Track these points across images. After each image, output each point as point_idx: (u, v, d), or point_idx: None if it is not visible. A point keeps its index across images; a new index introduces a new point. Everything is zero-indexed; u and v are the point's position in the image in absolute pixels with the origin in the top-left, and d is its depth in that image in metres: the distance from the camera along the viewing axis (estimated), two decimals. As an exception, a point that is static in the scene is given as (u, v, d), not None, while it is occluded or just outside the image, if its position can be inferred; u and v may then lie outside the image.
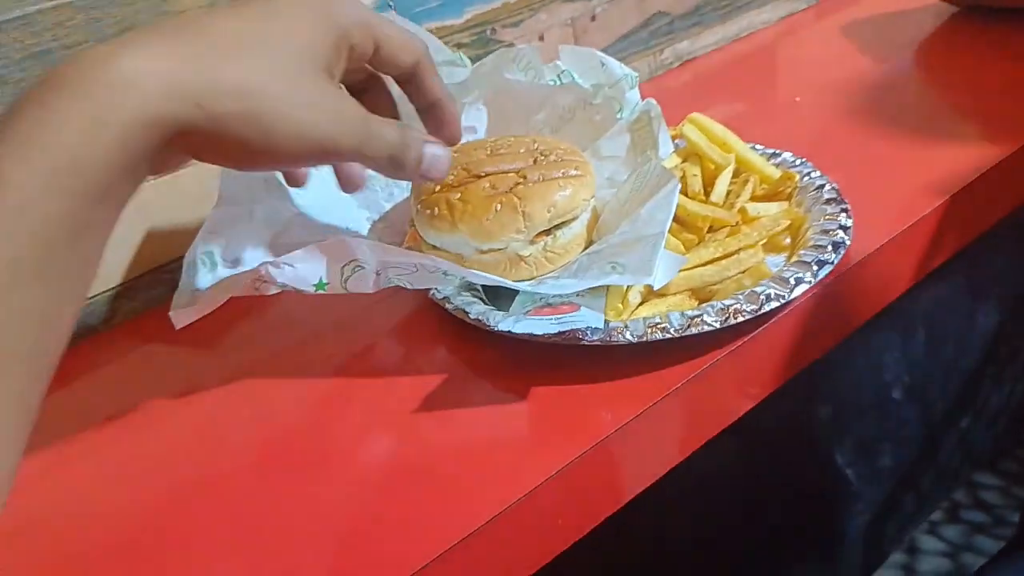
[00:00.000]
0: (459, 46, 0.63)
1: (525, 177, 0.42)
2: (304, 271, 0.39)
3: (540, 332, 0.37)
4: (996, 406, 1.15)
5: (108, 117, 0.25)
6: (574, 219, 0.43)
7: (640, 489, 0.37)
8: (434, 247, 0.43)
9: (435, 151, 0.35)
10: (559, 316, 0.37)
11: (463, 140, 0.53)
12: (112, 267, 0.52)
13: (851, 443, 0.91)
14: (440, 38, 0.61)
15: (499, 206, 0.41)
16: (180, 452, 0.40)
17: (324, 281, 0.40)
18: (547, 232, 0.42)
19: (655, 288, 0.39)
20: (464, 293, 0.43)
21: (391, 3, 0.59)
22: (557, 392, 0.38)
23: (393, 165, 0.34)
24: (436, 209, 0.42)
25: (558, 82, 0.51)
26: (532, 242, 0.41)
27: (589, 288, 0.40)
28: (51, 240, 0.24)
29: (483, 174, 0.43)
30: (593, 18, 0.70)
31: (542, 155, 0.44)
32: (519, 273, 0.42)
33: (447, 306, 0.42)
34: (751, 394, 0.40)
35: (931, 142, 0.53)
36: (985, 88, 0.58)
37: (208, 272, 0.45)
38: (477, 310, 0.41)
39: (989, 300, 1.04)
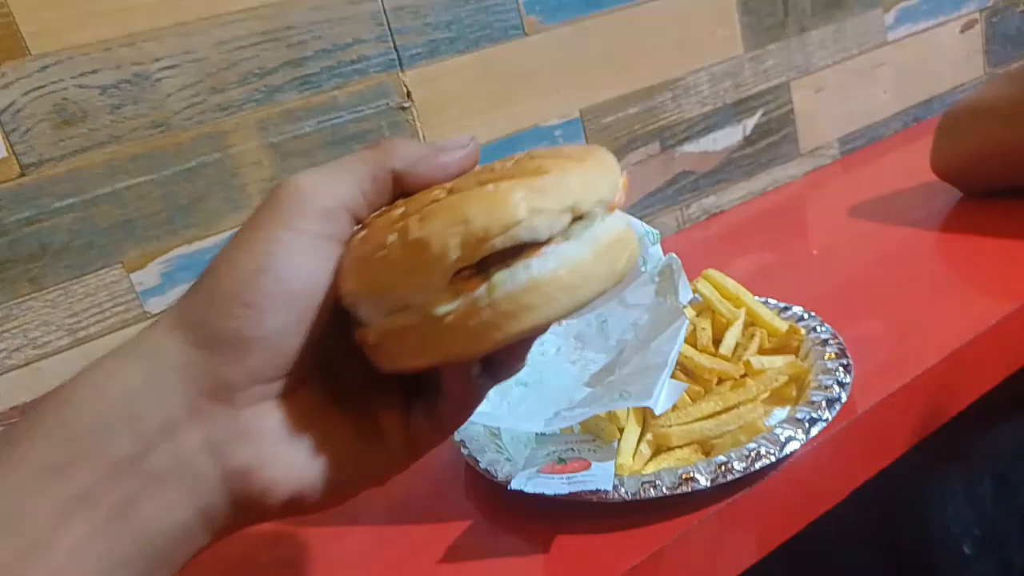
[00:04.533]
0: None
1: (451, 190, 0.27)
2: None
3: (551, 493, 0.38)
4: (1085, 562, 1.07)
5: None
6: (536, 245, 0.25)
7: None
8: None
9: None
10: (570, 476, 0.40)
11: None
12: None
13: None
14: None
15: (393, 236, 0.25)
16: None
17: None
18: (479, 273, 0.25)
19: (656, 413, 0.41)
20: (477, 428, 0.45)
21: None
22: (552, 545, 0.39)
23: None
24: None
25: None
26: (454, 292, 0.25)
27: (593, 443, 0.43)
28: None
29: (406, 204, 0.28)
30: (621, 178, 0.75)
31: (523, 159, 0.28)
32: (453, 347, 0.25)
33: (462, 450, 0.45)
34: (745, 555, 0.41)
35: (938, 303, 0.55)
36: (987, 262, 0.60)
37: None
38: (488, 459, 0.43)
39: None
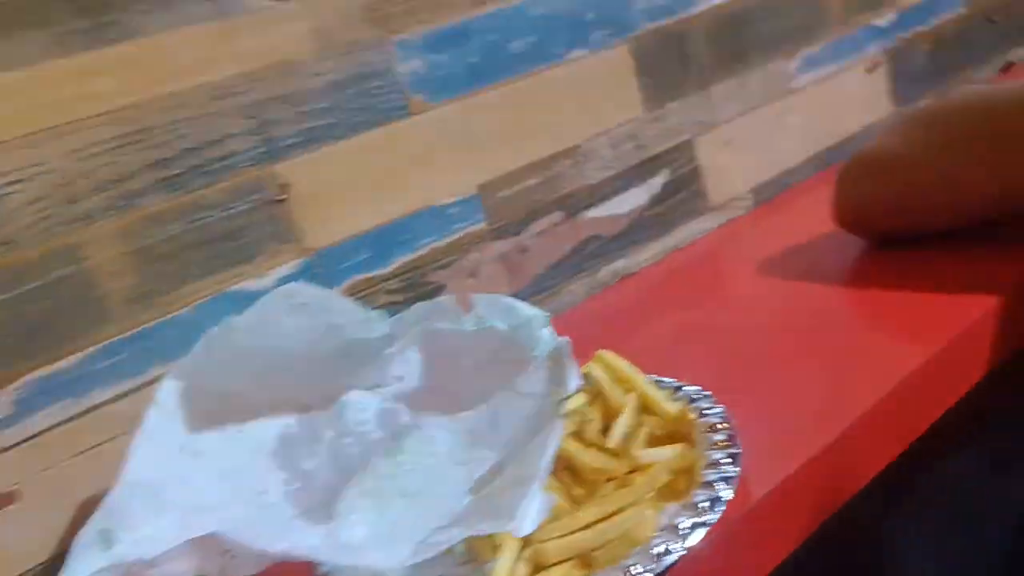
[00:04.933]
0: (388, 292, 0.66)
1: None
2: (176, 569, 0.39)
3: None
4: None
5: None
6: None
7: None
8: None
9: None
10: None
11: (391, 388, 0.55)
12: (36, 545, 0.53)
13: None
14: (368, 288, 0.65)
15: None
16: None
17: (200, 574, 0.40)
18: None
19: (517, 535, 0.38)
20: None
21: (315, 270, 0.62)
22: None
23: None
24: None
25: (478, 328, 0.53)
26: None
27: (467, 565, 0.39)
28: None
29: None
30: (524, 250, 0.73)
31: None
32: None
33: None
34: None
35: (836, 369, 0.53)
36: (893, 315, 0.59)
37: (101, 552, 0.44)
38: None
39: (1012, 472, 0.99)
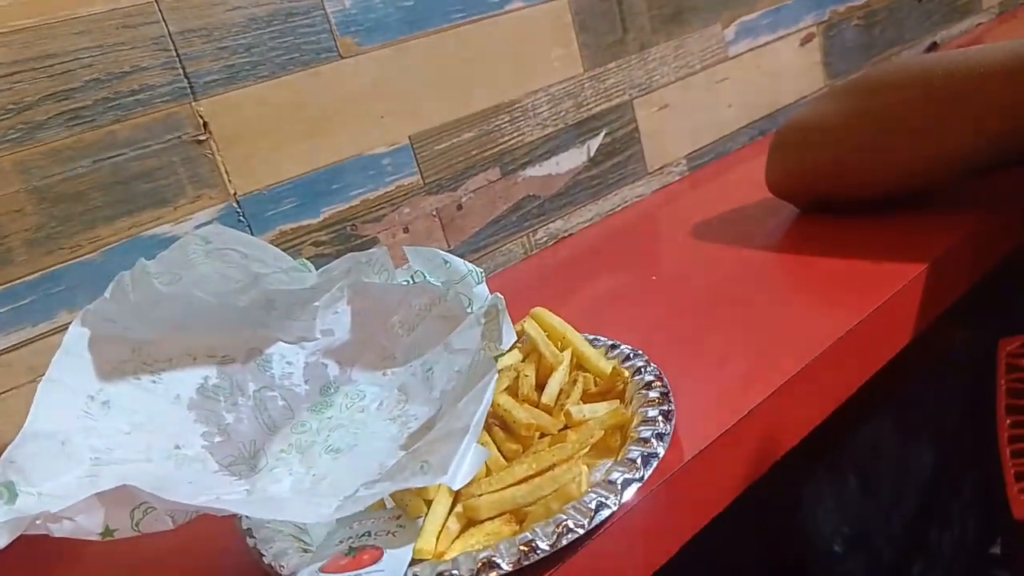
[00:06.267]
0: (317, 244, 0.63)
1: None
2: (85, 523, 0.36)
3: None
4: (949, 548, 1.11)
5: None
6: None
7: None
8: None
9: None
10: (356, 572, 0.35)
11: (319, 342, 0.53)
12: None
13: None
14: (297, 239, 0.62)
15: None
16: None
17: (111, 528, 0.37)
18: None
19: (454, 488, 0.37)
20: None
21: (241, 217, 0.59)
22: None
23: None
24: None
25: (411, 282, 0.52)
26: None
27: (398, 520, 0.38)
28: None
29: None
30: (460, 207, 0.71)
31: None
32: None
33: (248, 540, 0.39)
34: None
35: (768, 331, 0.54)
36: (819, 281, 0.60)
37: (4, 505, 0.41)
38: (275, 549, 0.38)
39: (921, 439, 1.03)
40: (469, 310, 0.50)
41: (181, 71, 0.55)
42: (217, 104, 0.57)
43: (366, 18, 0.64)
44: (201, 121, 0.57)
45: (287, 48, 0.60)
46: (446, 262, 0.52)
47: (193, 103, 0.56)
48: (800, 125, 0.67)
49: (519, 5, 0.73)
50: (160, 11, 0.54)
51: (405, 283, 0.52)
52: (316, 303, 0.52)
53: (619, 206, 0.83)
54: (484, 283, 0.52)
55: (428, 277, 0.52)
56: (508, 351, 0.48)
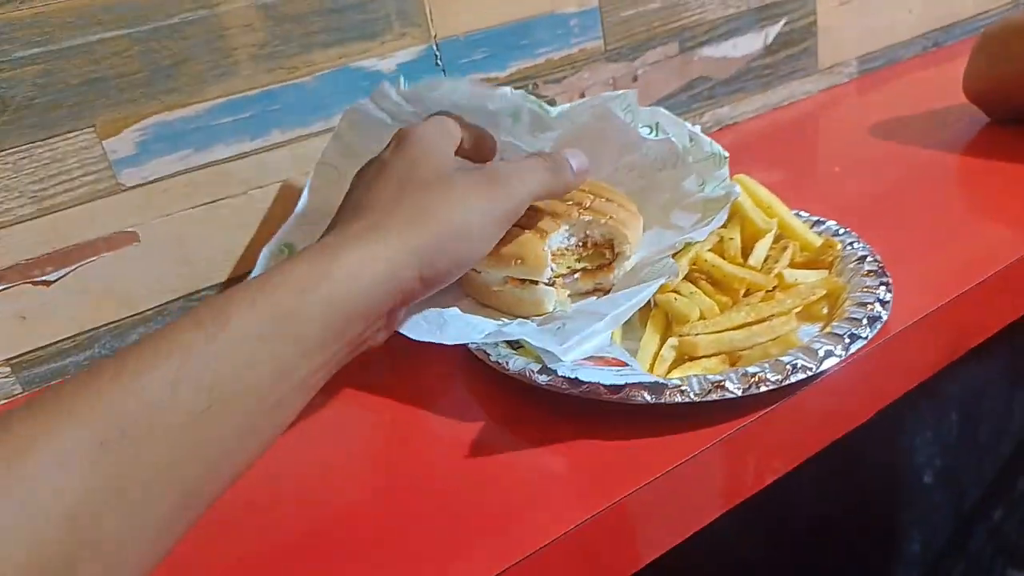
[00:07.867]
0: (501, 98, 0.64)
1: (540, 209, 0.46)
2: None
3: (608, 383, 0.36)
4: (1031, 499, 1.10)
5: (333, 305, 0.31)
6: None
7: (656, 554, 0.36)
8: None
9: (573, 152, 0.42)
10: (618, 369, 0.37)
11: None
12: (145, 290, 0.53)
13: (880, 527, 0.88)
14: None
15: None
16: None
17: None
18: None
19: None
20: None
21: (438, 60, 0.60)
22: (573, 448, 0.37)
23: (560, 189, 0.41)
24: None
25: (654, 134, 0.50)
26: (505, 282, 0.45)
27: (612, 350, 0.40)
28: (257, 374, 0.28)
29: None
30: (635, 78, 0.71)
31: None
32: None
33: (471, 346, 0.42)
34: (773, 467, 0.39)
35: (971, 225, 0.53)
36: (1012, 192, 0.57)
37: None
38: (517, 364, 0.40)
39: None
40: (702, 190, 0.49)
41: (403, -98, 0.55)
42: (431, -59, 0.57)
43: None
44: (416, -42, 0.57)
45: None
46: (692, 138, 0.50)
47: (410, -63, 0.56)
48: (1014, 27, 0.64)
49: None
50: None
51: (646, 131, 0.50)
52: (558, 130, 0.50)
53: (786, 100, 0.81)
54: (727, 167, 0.50)
55: (672, 136, 0.50)
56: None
